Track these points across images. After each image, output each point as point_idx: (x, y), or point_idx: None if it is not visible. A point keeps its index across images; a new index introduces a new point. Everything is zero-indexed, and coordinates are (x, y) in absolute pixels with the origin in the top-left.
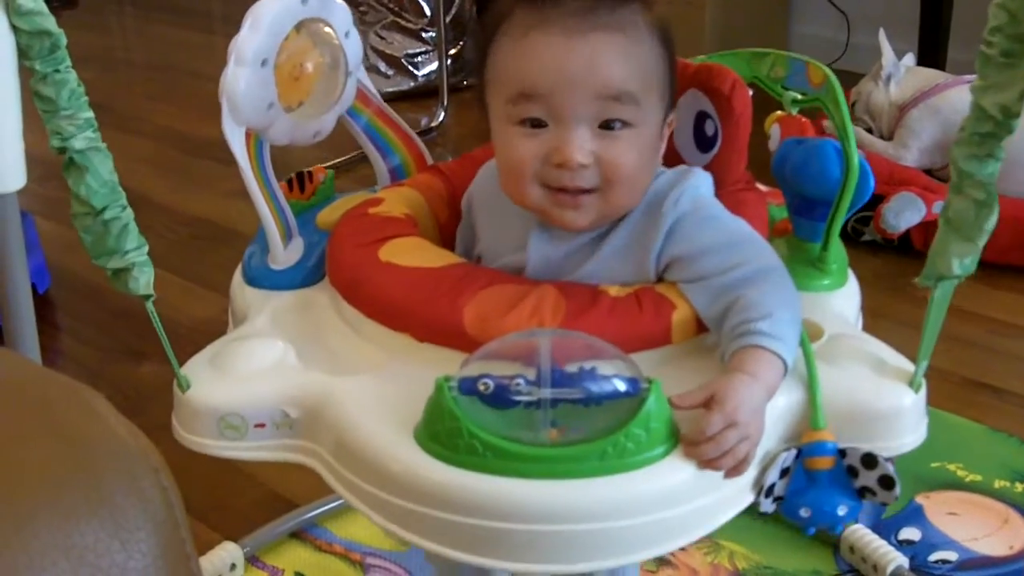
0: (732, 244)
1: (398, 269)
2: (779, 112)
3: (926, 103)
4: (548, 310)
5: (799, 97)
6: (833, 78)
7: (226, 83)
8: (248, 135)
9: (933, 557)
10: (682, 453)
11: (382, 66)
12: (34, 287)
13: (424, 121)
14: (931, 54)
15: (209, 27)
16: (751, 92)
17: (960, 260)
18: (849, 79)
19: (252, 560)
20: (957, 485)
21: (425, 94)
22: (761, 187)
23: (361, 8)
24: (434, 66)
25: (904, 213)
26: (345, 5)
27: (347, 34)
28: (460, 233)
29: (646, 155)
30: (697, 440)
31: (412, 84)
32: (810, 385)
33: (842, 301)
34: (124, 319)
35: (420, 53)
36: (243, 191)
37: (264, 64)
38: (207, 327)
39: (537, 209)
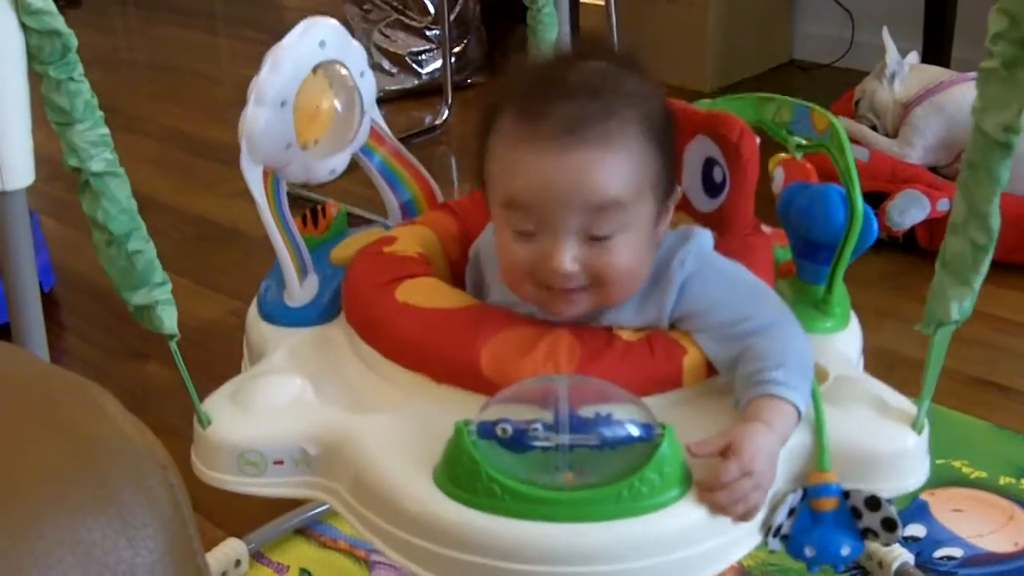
0: (741, 297)
1: (415, 310)
2: (783, 155)
3: (930, 101)
4: (563, 354)
5: (803, 142)
6: (837, 124)
7: (246, 123)
8: (266, 173)
9: (938, 553)
10: (696, 498)
11: (386, 64)
12: (40, 286)
13: (428, 119)
14: (935, 52)
15: (212, 28)
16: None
17: (959, 304)
18: (853, 77)
19: (257, 556)
20: (962, 482)
21: (429, 92)
22: (765, 228)
23: (365, 6)
24: (438, 64)
25: (909, 211)
26: (361, 47)
27: (362, 74)
28: (469, 277)
29: (640, 250)
30: (712, 487)
31: (416, 82)
32: (817, 428)
33: (845, 343)
34: (129, 319)
35: (424, 51)
36: (247, 192)
37: (283, 105)
38: (213, 328)
39: (534, 302)
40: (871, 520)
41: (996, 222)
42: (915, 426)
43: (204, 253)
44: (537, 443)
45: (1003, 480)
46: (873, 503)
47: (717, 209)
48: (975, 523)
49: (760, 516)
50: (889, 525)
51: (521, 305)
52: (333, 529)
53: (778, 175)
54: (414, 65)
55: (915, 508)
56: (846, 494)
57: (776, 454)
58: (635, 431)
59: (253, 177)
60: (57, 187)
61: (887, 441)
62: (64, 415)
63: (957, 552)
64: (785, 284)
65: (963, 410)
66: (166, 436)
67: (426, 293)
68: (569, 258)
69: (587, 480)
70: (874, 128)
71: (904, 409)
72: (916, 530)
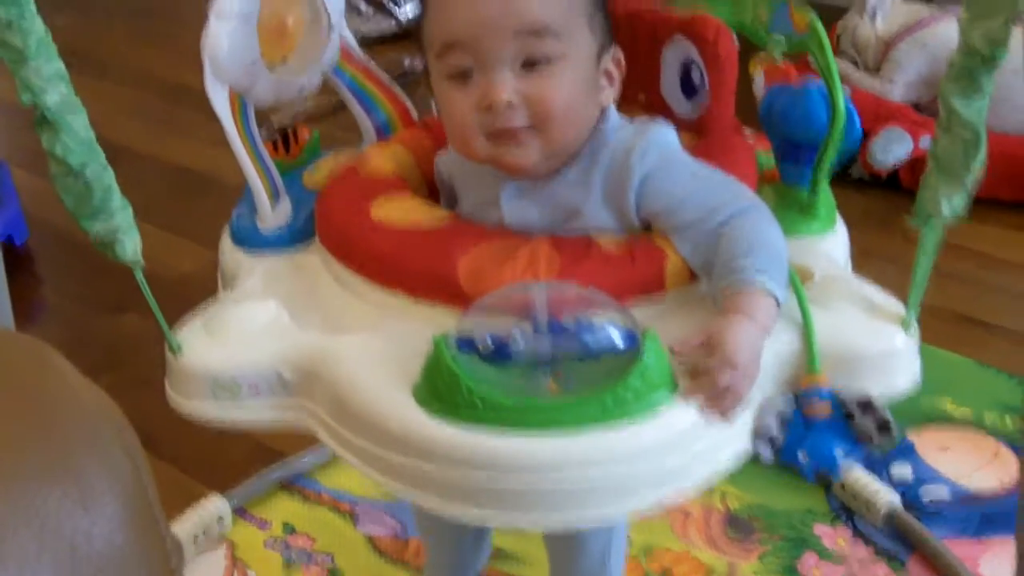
0: (707, 190)
1: (390, 227)
2: (762, 54)
3: (912, 37)
4: (542, 263)
5: (783, 41)
6: (817, 22)
7: (207, 40)
8: (232, 95)
9: (925, 494)
10: (682, 401)
11: (363, 7)
12: (11, 239)
13: (407, 62)
14: None
15: None
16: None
17: (948, 200)
18: (833, 13)
19: (240, 512)
20: (947, 420)
21: (407, 36)
22: (748, 133)
23: None
24: (415, 5)
25: (891, 148)
26: None
27: None
28: (441, 193)
29: (578, 88)
30: (695, 381)
31: (393, 24)
32: (805, 330)
33: (831, 245)
34: (106, 271)
35: None
36: (226, 139)
37: (246, 19)
38: (193, 280)
39: (486, 159)
40: (865, 423)
41: (979, 123)
42: (904, 324)
43: (182, 203)
44: (517, 352)
45: (988, 417)
46: (867, 406)
47: (697, 112)
48: (961, 462)
49: (749, 418)
50: (884, 427)
51: (489, 207)
52: (316, 483)
53: (759, 79)
54: (391, 5)
55: (901, 448)
56: (840, 400)
57: (759, 346)
58: (617, 337)
59: (219, 99)
60: (28, 137)
61: (876, 340)
62: (15, 378)
63: (943, 491)
64: (769, 190)
65: (947, 347)
66: (142, 389)
67: (401, 211)
68: (508, 88)
69: (570, 389)
70: (856, 65)
71: (893, 308)
72: (903, 470)
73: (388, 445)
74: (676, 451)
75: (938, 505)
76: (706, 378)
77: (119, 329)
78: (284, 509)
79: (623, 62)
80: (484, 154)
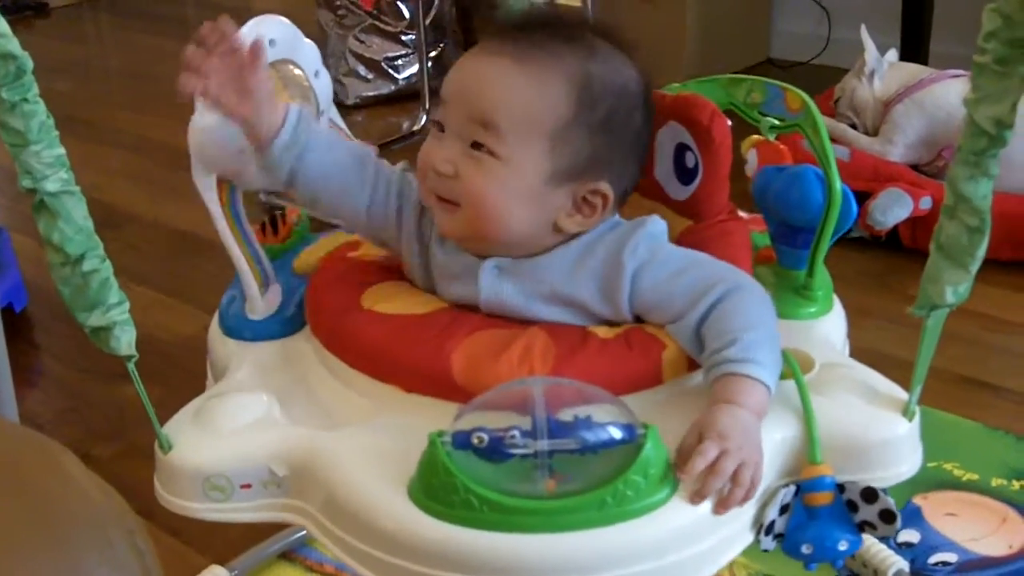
0: (696, 278)
1: (381, 316)
2: (756, 136)
3: (911, 98)
4: (538, 354)
5: (777, 123)
6: (811, 103)
7: (193, 131)
8: (220, 182)
9: (933, 559)
10: (684, 498)
11: (361, 70)
12: (11, 306)
13: (406, 125)
14: (914, 48)
15: (184, 34)
16: (729, 122)
17: (954, 288)
18: (831, 75)
19: None
20: (955, 485)
21: (406, 97)
22: (742, 214)
23: (339, 12)
24: (414, 69)
25: (891, 209)
26: (313, 45)
27: (316, 74)
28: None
29: (509, 193)
30: (694, 478)
31: (393, 88)
32: (806, 419)
33: (829, 328)
34: None
35: (400, 56)
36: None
37: None
38: (192, 344)
39: (428, 207)
40: (868, 513)
41: (986, 209)
42: (906, 412)
43: (180, 266)
44: (515, 451)
45: (995, 482)
46: (870, 495)
47: (691, 196)
48: (969, 527)
49: (751, 512)
50: (887, 517)
51: (460, 255)
52: (318, 552)
53: (751, 157)
54: (390, 71)
55: (908, 513)
56: (841, 487)
57: (752, 427)
58: (617, 433)
59: (205, 187)
60: (27, 203)
61: (878, 429)
62: (26, 478)
63: (952, 557)
64: (765, 271)
65: (953, 411)
66: (142, 459)
67: (392, 298)
68: (443, 155)
69: (569, 487)
70: (854, 127)
71: (894, 395)
72: (910, 536)
73: (382, 546)
74: (679, 550)
75: (947, 570)
76: (703, 469)
77: (119, 397)
78: None
79: (611, 200)
80: (426, 202)
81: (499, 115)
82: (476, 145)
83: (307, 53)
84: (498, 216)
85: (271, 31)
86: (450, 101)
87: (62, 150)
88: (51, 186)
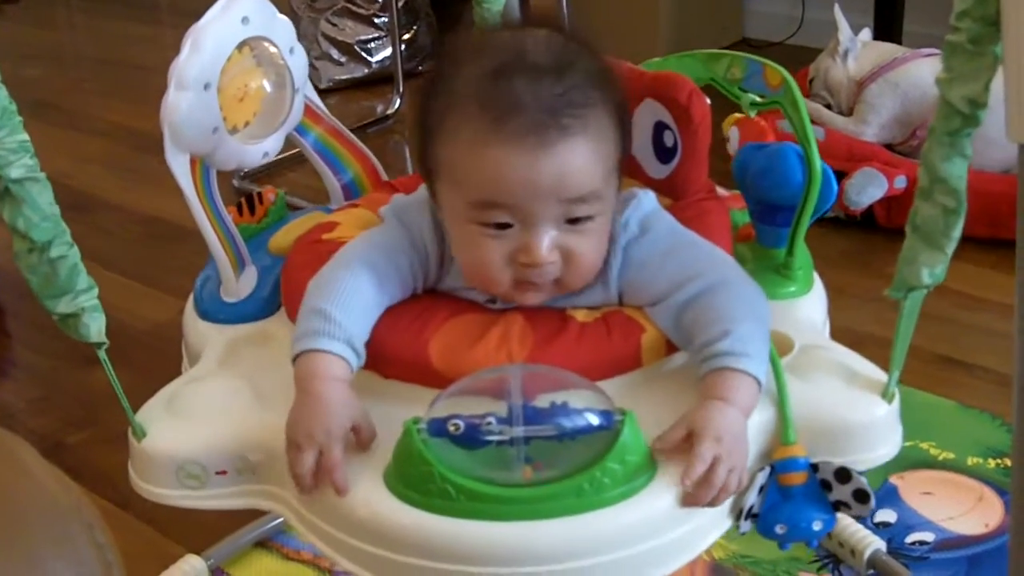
0: (683, 260)
1: None
2: (737, 114)
3: (884, 78)
4: (515, 339)
5: (757, 99)
6: (791, 80)
7: (167, 109)
8: (193, 162)
9: (910, 539)
10: (662, 485)
11: (334, 53)
12: None
13: (380, 108)
14: (887, 28)
15: (157, 19)
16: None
17: (930, 269)
18: (805, 55)
19: (217, 573)
20: (931, 464)
21: (379, 81)
22: (722, 191)
23: None
24: (388, 52)
25: (866, 189)
26: (288, 21)
27: (291, 50)
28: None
29: (606, 234)
30: (688, 485)
31: (366, 71)
32: (780, 400)
33: (809, 307)
34: None
35: (373, 39)
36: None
37: (207, 87)
38: (165, 331)
39: (500, 294)
40: (842, 492)
41: (962, 189)
42: (885, 395)
43: (155, 253)
44: (491, 438)
45: (971, 460)
46: (843, 475)
47: (670, 175)
48: (945, 506)
49: (729, 501)
50: (861, 496)
51: (464, 291)
52: (295, 540)
53: (733, 135)
54: (363, 53)
55: (885, 492)
56: (815, 467)
57: (742, 429)
58: (594, 419)
59: (178, 166)
60: None
61: (856, 411)
62: None
63: (929, 536)
64: (744, 249)
65: (929, 389)
66: (115, 444)
67: None
68: (549, 248)
69: (546, 474)
70: (828, 106)
71: (873, 377)
72: (887, 515)
73: (357, 533)
74: (657, 537)
75: (924, 550)
76: (698, 479)
77: (92, 384)
78: (262, 567)
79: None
80: (501, 293)
81: (593, 183)
82: (573, 220)
83: (282, 30)
84: (600, 259)
85: (244, 8)
86: (531, 200)
87: (26, 136)
88: (15, 172)
